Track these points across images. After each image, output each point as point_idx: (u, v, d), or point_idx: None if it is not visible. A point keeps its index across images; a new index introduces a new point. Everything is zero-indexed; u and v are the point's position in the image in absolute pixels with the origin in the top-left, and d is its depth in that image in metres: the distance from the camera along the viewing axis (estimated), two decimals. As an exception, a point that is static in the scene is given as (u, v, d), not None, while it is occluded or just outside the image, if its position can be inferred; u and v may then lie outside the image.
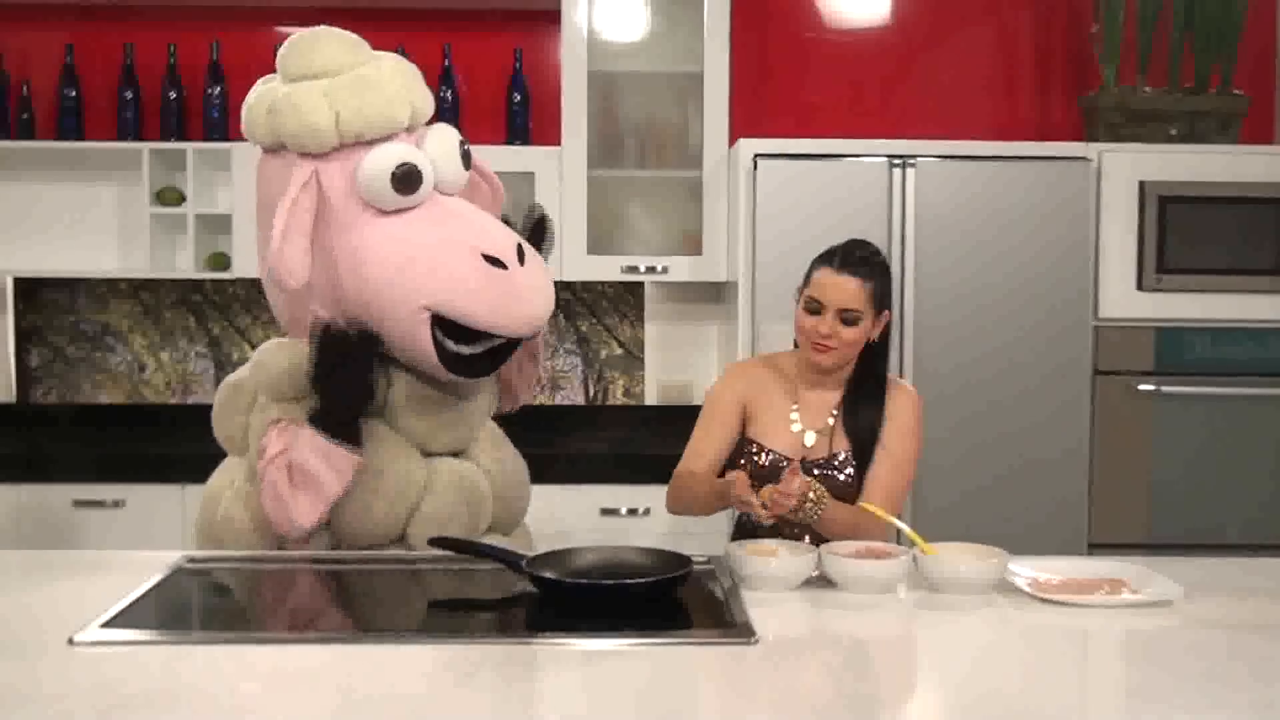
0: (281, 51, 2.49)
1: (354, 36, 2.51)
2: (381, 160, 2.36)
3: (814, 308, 2.54)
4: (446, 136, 2.50)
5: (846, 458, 2.58)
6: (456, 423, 2.55)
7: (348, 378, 2.38)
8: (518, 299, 2.38)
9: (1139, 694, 1.80)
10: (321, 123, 2.36)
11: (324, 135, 2.37)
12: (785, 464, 2.56)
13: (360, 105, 2.38)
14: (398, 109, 2.43)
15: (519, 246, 2.41)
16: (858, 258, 2.54)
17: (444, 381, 2.50)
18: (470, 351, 2.40)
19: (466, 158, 2.51)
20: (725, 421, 2.65)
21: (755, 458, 2.60)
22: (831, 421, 2.61)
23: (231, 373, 2.67)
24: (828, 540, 2.38)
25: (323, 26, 2.51)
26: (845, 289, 2.51)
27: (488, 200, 2.64)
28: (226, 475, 2.60)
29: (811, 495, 2.36)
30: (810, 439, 2.60)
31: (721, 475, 2.60)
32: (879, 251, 2.62)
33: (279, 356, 2.48)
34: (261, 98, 2.46)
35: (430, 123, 2.56)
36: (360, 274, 2.37)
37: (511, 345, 2.47)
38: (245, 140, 4.02)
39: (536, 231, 2.60)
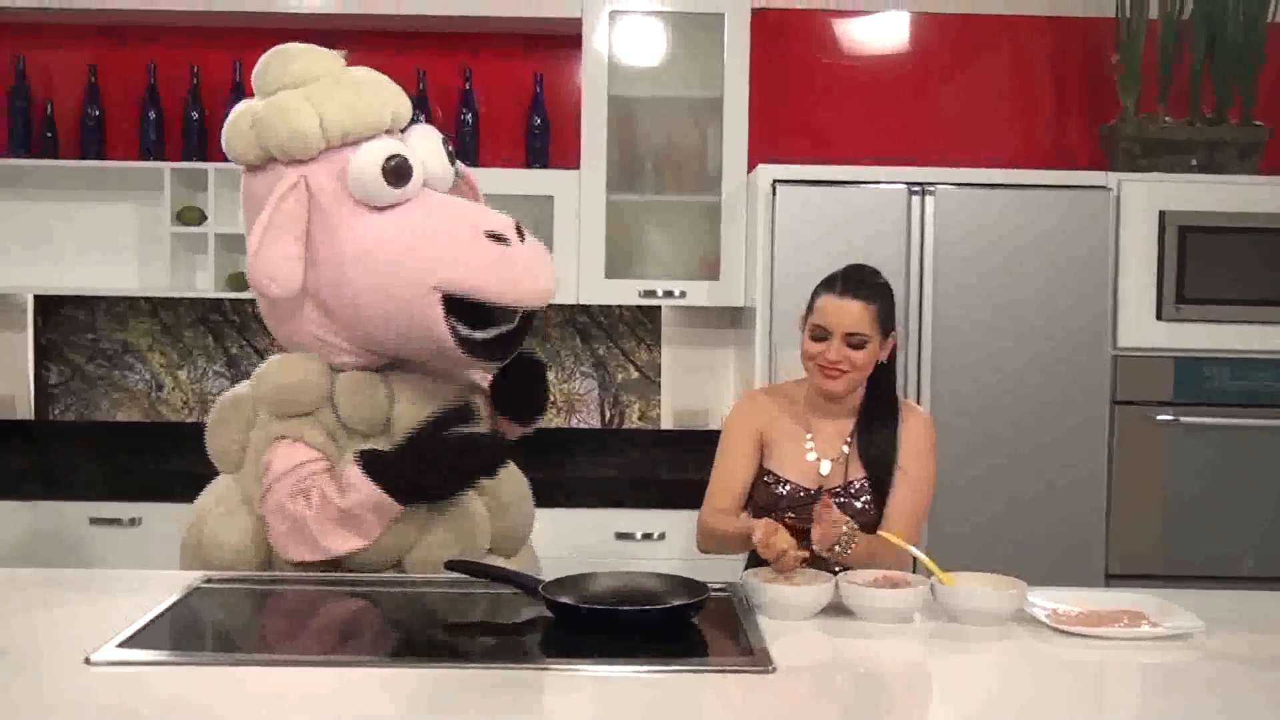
0: (256, 70, 2.49)
1: (324, 50, 2.52)
2: (372, 154, 2.36)
3: (820, 334, 2.54)
4: (430, 134, 2.51)
5: (863, 485, 2.58)
6: None
7: (458, 479, 2.40)
8: (525, 272, 2.36)
9: (1159, 729, 1.79)
10: (307, 125, 2.36)
11: (310, 138, 2.37)
12: (802, 494, 2.57)
13: (343, 105, 2.39)
14: (379, 108, 2.44)
15: (518, 224, 2.40)
16: (859, 281, 2.56)
17: (449, 402, 2.49)
18: (484, 336, 2.38)
19: (452, 156, 2.52)
20: (745, 453, 2.65)
21: (772, 488, 2.61)
22: (846, 449, 2.61)
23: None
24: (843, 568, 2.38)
25: (291, 44, 2.51)
26: (850, 313, 2.52)
27: (471, 198, 2.63)
28: (213, 492, 2.57)
29: (845, 529, 2.37)
30: (826, 468, 2.60)
31: (745, 508, 2.62)
32: (880, 274, 2.63)
33: (283, 371, 2.46)
34: (241, 114, 2.46)
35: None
36: (363, 266, 2.35)
37: (520, 331, 2.45)
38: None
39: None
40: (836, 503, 2.53)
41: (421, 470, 2.36)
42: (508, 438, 2.57)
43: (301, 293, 2.41)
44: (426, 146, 2.47)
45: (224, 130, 2.49)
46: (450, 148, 2.53)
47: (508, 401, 2.64)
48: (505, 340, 2.43)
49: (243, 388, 2.58)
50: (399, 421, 2.46)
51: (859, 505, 2.56)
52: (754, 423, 2.67)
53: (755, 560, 2.62)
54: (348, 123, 2.38)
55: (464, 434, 2.42)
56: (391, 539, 2.42)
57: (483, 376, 2.67)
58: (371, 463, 2.36)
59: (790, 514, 2.52)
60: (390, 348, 2.46)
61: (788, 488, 2.59)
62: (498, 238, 2.34)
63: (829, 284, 2.57)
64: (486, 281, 2.33)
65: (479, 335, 2.38)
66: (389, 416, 2.46)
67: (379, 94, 2.46)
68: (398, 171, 2.36)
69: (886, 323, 2.56)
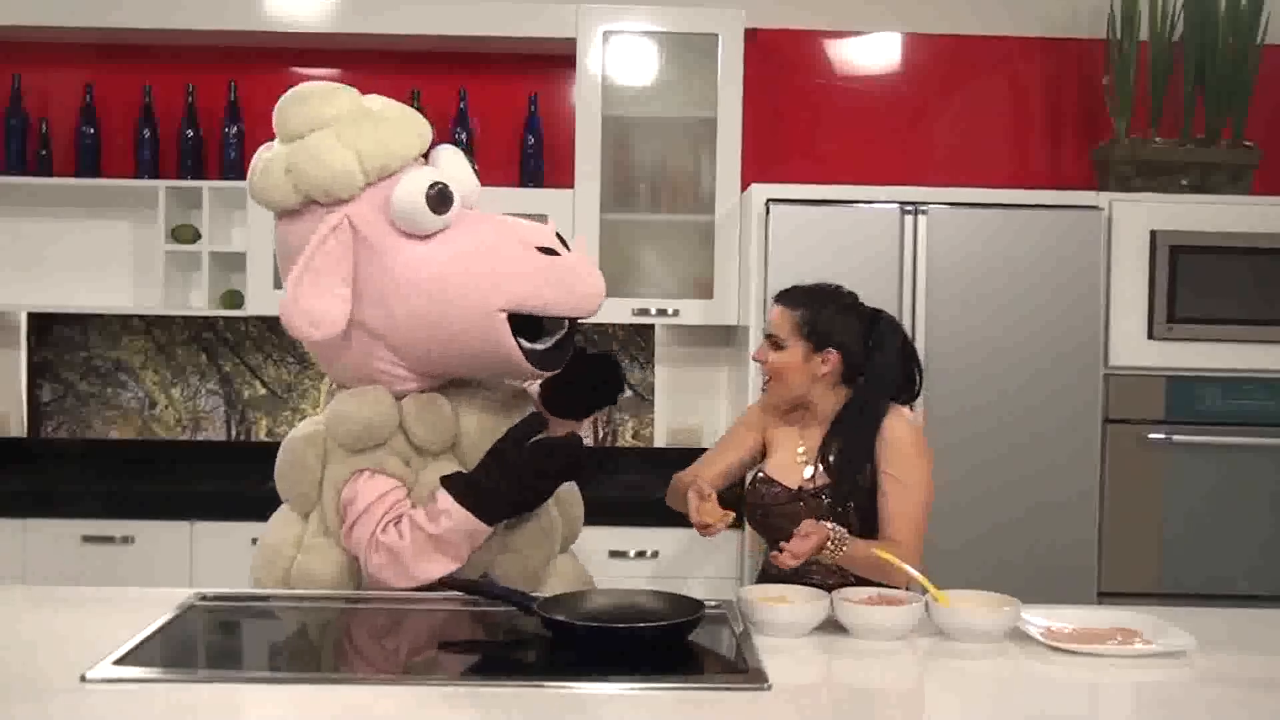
0: (276, 115, 2.47)
1: (338, 85, 2.51)
2: (414, 184, 2.37)
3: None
4: (455, 155, 2.53)
5: (834, 491, 2.63)
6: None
7: (544, 488, 2.45)
8: (581, 280, 2.42)
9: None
10: (347, 165, 2.36)
11: (353, 177, 2.37)
12: (783, 494, 2.66)
13: (376, 140, 2.39)
14: (410, 138, 2.46)
15: (556, 233, 2.45)
16: (791, 291, 2.73)
17: (508, 411, 2.53)
18: (544, 346, 2.43)
19: (475, 171, 2.55)
20: (744, 442, 2.81)
21: (760, 489, 2.72)
22: (830, 458, 2.67)
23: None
24: (842, 584, 2.40)
25: (306, 83, 2.50)
26: (772, 317, 2.71)
27: None
28: (288, 529, 2.54)
29: (830, 540, 2.40)
30: (808, 471, 2.68)
31: (735, 504, 2.71)
32: (832, 290, 2.73)
33: (361, 407, 2.44)
34: (272, 161, 2.43)
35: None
36: (425, 295, 2.36)
37: (570, 335, 2.49)
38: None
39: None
40: (810, 502, 2.63)
41: (509, 487, 2.40)
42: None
43: (353, 329, 2.40)
44: (456, 166, 2.49)
45: (253, 181, 2.46)
46: (472, 161, 2.57)
47: (567, 400, 2.67)
48: (561, 346, 2.48)
49: (309, 426, 2.54)
50: (466, 436, 2.49)
51: (838, 509, 2.61)
52: (756, 423, 2.82)
53: (764, 578, 2.65)
54: (384, 157, 2.39)
55: (540, 442, 2.44)
56: (478, 553, 2.45)
57: (527, 382, 2.70)
58: (459, 488, 2.39)
59: (759, 515, 2.69)
60: (454, 369, 2.48)
61: (776, 491, 2.69)
62: (547, 251, 2.38)
63: None
64: (547, 295, 2.37)
65: (540, 346, 2.43)
66: (456, 433, 2.50)
67: (406, 124, 2.47)
68: (441, 198, 2.37)
69: (812, 333, 2.65)
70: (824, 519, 2.50)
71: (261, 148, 2.52)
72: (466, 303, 2.35)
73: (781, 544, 2.40)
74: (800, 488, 2.65)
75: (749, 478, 2.82)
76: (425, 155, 2.53)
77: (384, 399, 2.45)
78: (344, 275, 2.36)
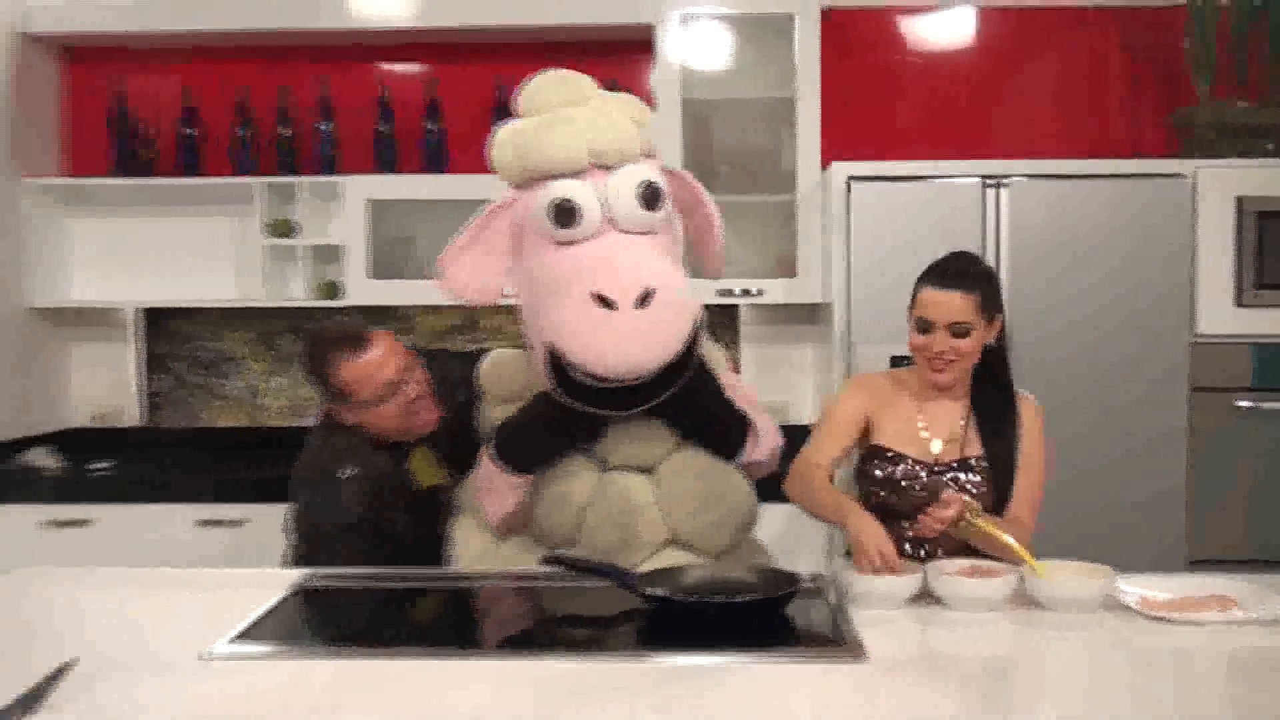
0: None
1: (571, 77, 2.52)
2: (545, 195, 2.42)
3: (924, 327, 2.57)
4: (628, 176, 2.44)
5: (975, 464, 2.59)
6: (632, 440, 2.59)
7: (551, 451, 2.57)
8: (617, 344, 2.32)
9: (1255, 716, 1.77)
10: (503, 160, 2.48)
11: (508, 171, 2.48)
12: (913, 470, 2.60)
13: (536, 144, 2.44)
14: (572, 149, 2.43)
15: (648, 290, 2.31)
16: (956, 271, 2.58)
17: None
18: (595, 386, 2.37)
19: (651, 199, 2.44)
20: (847, 430, 2.67)
21: (886, 466, 2.62)
22: (959, 430, 2.63)
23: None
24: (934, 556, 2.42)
25: (552, 71, 2.52)
26: (951, 305, 2.54)
27: (705, 231, 2.63)
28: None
29: (967, 514, 2.36)
30: (937, 446, 2.62)
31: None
32: (979, 259, 2.66)
33: (492, 364, 2.72)
34: (494, 135, 2.55)
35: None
36: (525, 298, 2.51)
37: (645, 388, 2.39)
38: (354, 174, 4.21)
39: None
40: (948, 481, 2.57)
41: (526, 435, 2.55)
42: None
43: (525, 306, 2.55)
44: (620, 187, 2.44)
45: None
46: (649, 190, 2.45)
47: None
48: (620, 394, 2.40)
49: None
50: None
51: (968, 484, 2.57)
52: (863, 403, 2.68)
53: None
54: (536, 159, 2.43)
55: (566, 406, 2.46)
56: (549, 524, 2.58)
57: None
58: (500, 431, 2.59)
59: (884, 491, 2.57)
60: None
61: (901, 466, 2.60)
62: (605, 302, 2.31)
63: (928, 276, 2.60)
64: (573, 347, 2.33)
65: (592, 385, 2.37)
66: None
67: (579, 132, 2.44)
68: (561, 213, 2.40)
69: (990, 307, 2.58)
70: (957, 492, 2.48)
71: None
72: (534, 324, 2.45)
73: (926, 512, 2.37)
74: (937, 461, 2.60)
75: (857, 455, 2.74)
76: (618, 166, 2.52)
77: (519, 362, 2.67)
78: (500, 251, 2.50)
